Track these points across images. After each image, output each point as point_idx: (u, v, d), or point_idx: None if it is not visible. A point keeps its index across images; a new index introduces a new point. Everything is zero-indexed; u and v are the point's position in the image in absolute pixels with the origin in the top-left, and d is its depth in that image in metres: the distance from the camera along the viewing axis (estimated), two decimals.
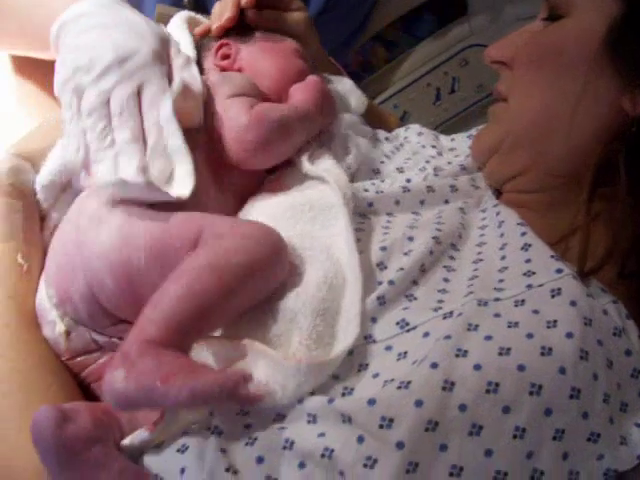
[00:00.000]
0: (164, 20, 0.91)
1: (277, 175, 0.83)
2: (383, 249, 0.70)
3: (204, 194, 0.76)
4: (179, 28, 0.89)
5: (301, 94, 0.83)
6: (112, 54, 0.72)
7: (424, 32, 1.75)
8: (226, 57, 0.88)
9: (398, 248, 0.70)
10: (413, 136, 0.96)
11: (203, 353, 0.64)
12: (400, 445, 0.52)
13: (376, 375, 0.60)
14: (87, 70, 0.72)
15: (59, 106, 0.76)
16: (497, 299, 0.62)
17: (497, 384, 0.54)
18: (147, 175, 0.68)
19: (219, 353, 0.64)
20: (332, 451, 0.54)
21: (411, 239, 0.71)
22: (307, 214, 0.74)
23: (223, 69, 0.88)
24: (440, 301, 0.64)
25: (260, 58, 0.88)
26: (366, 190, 0.77)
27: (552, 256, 0.66)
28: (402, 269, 0.67)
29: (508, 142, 0.77)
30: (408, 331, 0.62)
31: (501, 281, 0.65)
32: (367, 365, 0.61)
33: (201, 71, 0.88)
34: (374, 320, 0.64)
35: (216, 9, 0.90)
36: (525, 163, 0.76)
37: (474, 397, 0.54)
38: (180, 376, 0.55)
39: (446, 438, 0.53)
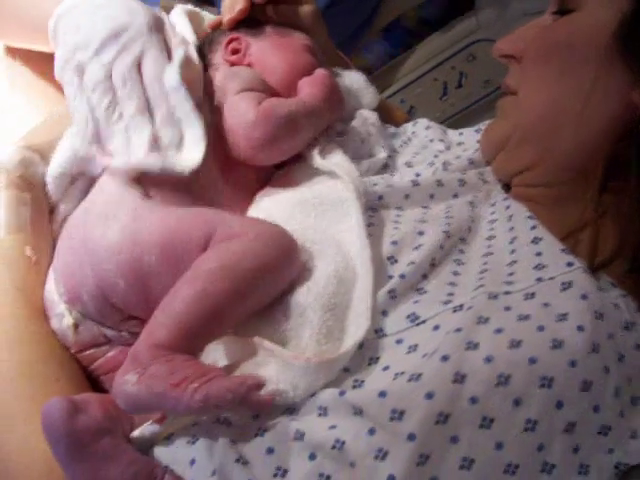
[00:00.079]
0: (167, 13, 0.91)
1: (286, 170, 0.82)
2: (394, 243, 0.70)
3: (213, 189, 0.76)
4: (178, 16, 0.89)
5: (309, 88, 0.83)
6: (107, 28, 0.74)
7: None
8: (236, 52, 0.88)
9: (408, 242, 0.70)
10: (421, 130, 0.96)
11: (213, 352, 0.64)
12: (411, 437, 0.53)
13: (386, 368, 0.60)
14: (85, 47, 0.73)
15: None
16: (507, 292, 0.62)
17: (508, 377, 0.54)
18: (160, 149, 0.71)
19: (229, 352, 0.64)
20: (343, 443, 0.54)
21: (421, 233, 0.71)
22: (317, 208, 0.74)
23: (232, 64, 0.88)
24: (450, 294, 0.64)
25: (270, 53, 0.87)
26: (375, 184, 0.77)
27: (562, 250, 0.65)
28: (413, 263, 0.67)
29: (516, 136, 0.77)
30: (418, 324, 0.62)
31: (511, 274, 0.65)
32: (377, 358, 0.61)
33: (210, 66, 0.88)
34: (385, 314, 0.64)
35: (227, 1, 0.90)
36: (533, 157, 0.76)
37: (485, 390, 0.54)
38: (192, 382, 0.55)
39: (457, 430, 0.53)
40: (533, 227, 0.70)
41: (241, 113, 0.77)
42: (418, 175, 0.81)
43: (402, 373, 0.57)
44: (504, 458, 0.53)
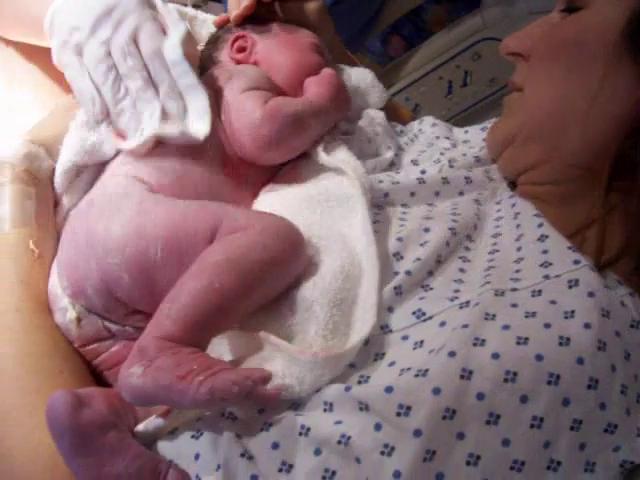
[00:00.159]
0: None
1: (291, 166, 0.82)
2: (399, 240, 0.70)
3: (218, 187, 0.76)
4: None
5: (316, 87, 0.83)
6: (100, 5, 0.74)
7: None
8: (242, 50, 0.88)
9: (414, 239, 0.70)
10: (427, 127, 0.96)
11: (218, 346, 0.64)
12: (417, 433, 0.52)
13: (392, 364, 0.59)
14: (81, 28, 0.74)
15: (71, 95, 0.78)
16: (514, 289, 0.62)
17: (515, 373, 0.54)
18: (169, 120, 0.73)
19: (234, 346, 0.64)
20: (349, 438, 0.54)
21: (427, 230, 0.71)
22: (324, 204, 0.73)
23: (238, 62, 0.88)
24: (456, 291, 0.64)
25: (276, 52, 0.87)
26: (381, 181, 0.77)
27: (569, 247, 0.65)
28: (419, 259, 0.67)
29: (523, 134, 0.77)
30: (424, 321, 0.62)
31: (517, 271, 0.65)
32: (383, 354, 0.61)
33: (216, 63, 0.88)
34: (390, 310, 0.64)
35: None
36: (540, 155, 0.76)
37: (492, 386, 0.54)
38: (198, 375, 0.55)
39: (463, 426, 0.53)
40: (540, 225, 0.70)
41: (247, 112, 0.77)
42: (424, 172, 0.81)
43: (408, 369, 0.57)
44: (510, 455, 0.53)
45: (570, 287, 0.61)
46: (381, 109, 0.95)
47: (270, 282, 0.64)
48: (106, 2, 0.74)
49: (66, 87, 0.79)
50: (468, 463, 0.53)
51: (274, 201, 0.77)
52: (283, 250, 0.64)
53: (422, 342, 0.60)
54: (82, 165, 0.77)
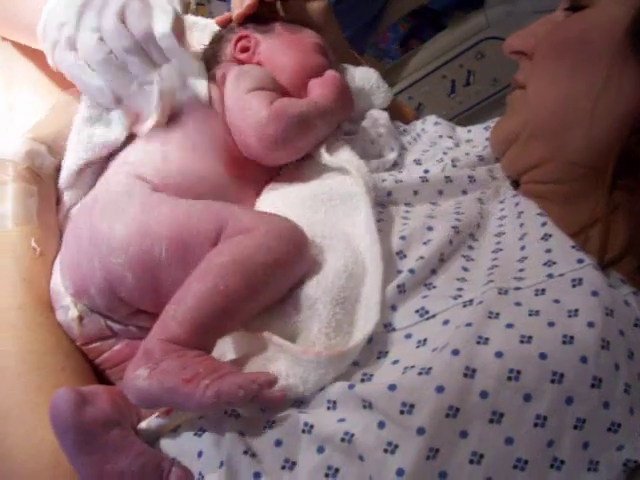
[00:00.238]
0: None
1: (294, 165, 0.82)
2: (402, 238, 0.70)
3: (221, 186, 0.76)
4: None
5: (320, 89, 0.83)
6: None
7: None
8: (245, 49, 0.88)
9: (417, 237, 0.70)
10: (430, 126, 0.95)
11: (221, 346, 0.64)
12: (421, 431, 0.52)
13: (396, 362, 0.59)
14: (66, 22, 0.73)
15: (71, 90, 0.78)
16: (517, 288, 0.62)
17: (518, 372, 0.54)
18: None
19: (238, 346, 0.65)
20: (352, 435, 0.54)
21: (430, 229, 0.71)
22: (327, 203, 0.74)
23: (241, 62, 0.87)
24: (459, 289, 0.64)
25: (279, 52, 0.87)
26: (384, 180, 0.77)
27: (573, 246, 0.65)
28: (422, 258, 0.67)
29: (527, 132, 0.77)
30: (428, 319, 0.62)
31: (521, 270, 0.65)
32: (387, 352, 0.61)
33: (219, 63, 0.88)
34: (394, 308, 0.64)
35: None
36: (544, 154, 0.75)
37: (495, 384, 0.54)
38: (204, 378, 0.55)
39: (467, 425, 0.53)
40: (543, 224, 0.70)
41: (253, 112, 0.77)
42: (427, 172, 0.81)
43: (412, 367, 0.57)
44: (514, 453, 0.53)
45: (574, 286, 0.61)
46: (384, 108, 0.95)
47: (275, 284, 0.64)
48: None
49: (66, 84, 0.79)
50: (471, 461, 0.53)
51: (277, 200, 0.77)
52: (287, 252, 0.64)
53: (425, 340, 0.60)
54: (93, 161, 0.77)
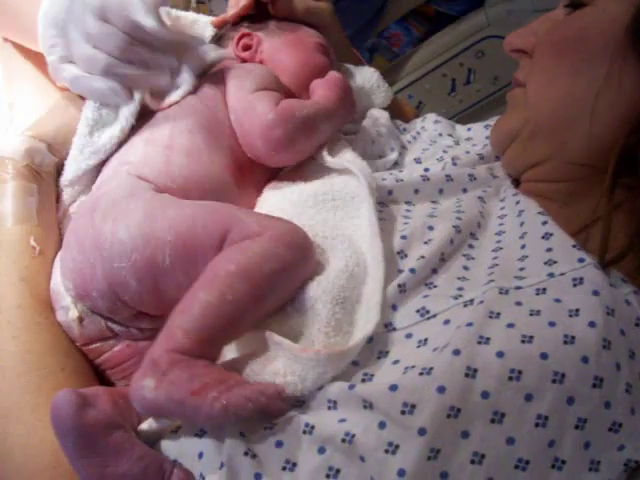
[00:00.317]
0: None
1: (295, 166, 0.82)
2: (403, 237, 0.69)
3: (224, 187, 0.76)
4: None
5: (323, 90, 0.83)
6: (51, 17, 0.74)
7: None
8: (247, 48, 0.87)
9: (418, 237, 0.70)
10: (430, 124, 0.96)
11: None
12: (422, 431, 0.52)
13: (396, 362, 0.59)
14: (55, 43, 0.74)
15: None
16: (518, 287, 0.62)
17: (520, 372, 0.54)
18: None
19: (238, 345, 0.64)
20: (353, 436, 0.54)
21: (431, 228, 0.71)
22: (329, 203, 0.73)
23: (244, 60, 0.87)
24: (460, 289, 0.64)
25: (282, 52, 0.87)
26: (384, 179, 0.77)
27: (574, 245, 0.65)
28: (423, 257, 0.67)
29: (527, 130, 0.77)
30: (428, 319, 0.62)
31: (522, 269, 0.65)
32: (387, 352, 0.61)
33: (221, 61, 0.88)
34: (394, 308, 0.64)
35: None
36: (545, 152, 0.75)
37: (496, 384, 0.54)
38: (212, 390, 0.55)
39: (468, 425, 0.53)
40: (544, 222, 0.69)
41: (259, 113, 0.77)
42: (427, 170, 0.81)
43: (412, 367, 0.57)
44: (515, 453, 0.53)
45: (575, 285, 0.61)
46: (385, 108, 0.95)
47: (281, 290, 0.64)
48: (53, 12, 0.74)
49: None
50: (472, 462, 0.52)
51: (278, 199, 0.76)
52: (293, 258, 0.64)
53: (426, 340, 0.60)
54: (98, 164, 0.77)
